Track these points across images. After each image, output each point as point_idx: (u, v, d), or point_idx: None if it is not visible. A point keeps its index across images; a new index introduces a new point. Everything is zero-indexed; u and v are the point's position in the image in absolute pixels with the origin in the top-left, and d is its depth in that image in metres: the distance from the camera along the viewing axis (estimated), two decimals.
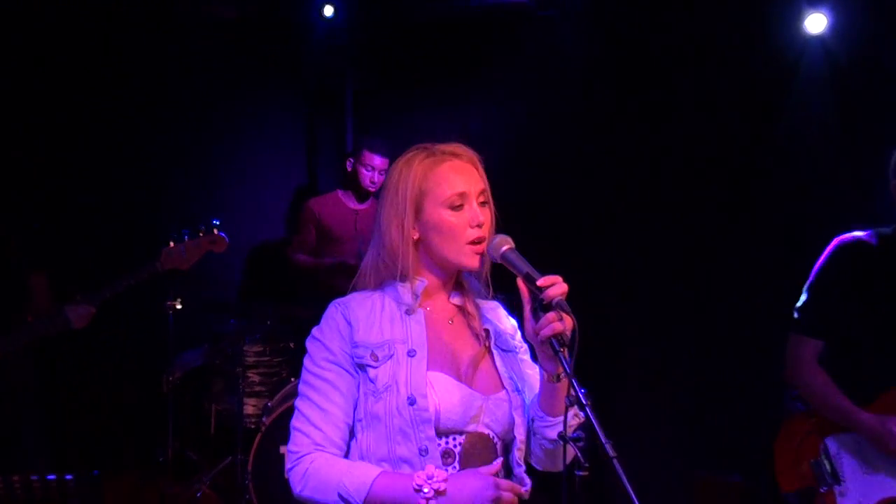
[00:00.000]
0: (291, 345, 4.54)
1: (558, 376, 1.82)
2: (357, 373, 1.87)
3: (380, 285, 1.95)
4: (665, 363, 4.39)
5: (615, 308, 4.45)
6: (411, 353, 1.86)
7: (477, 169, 1.93)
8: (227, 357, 4.46)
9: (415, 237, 1.92)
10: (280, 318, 4.48)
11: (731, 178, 4.28)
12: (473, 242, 1.89)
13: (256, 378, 4.51)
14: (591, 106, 4.69)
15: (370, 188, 4.71)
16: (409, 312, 1.91)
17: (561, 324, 1.74)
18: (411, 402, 1.81)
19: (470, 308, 1.98)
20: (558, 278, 1.78)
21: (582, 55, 4.70)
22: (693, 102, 4.32)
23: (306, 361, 1.90)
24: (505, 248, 1.87)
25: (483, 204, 1.91)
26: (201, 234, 3.71)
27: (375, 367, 1.85)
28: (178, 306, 4.01)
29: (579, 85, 4.73)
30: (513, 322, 2.03)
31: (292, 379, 4.32)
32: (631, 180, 4.55)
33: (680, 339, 4.33)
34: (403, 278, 1.92)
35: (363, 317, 1.89)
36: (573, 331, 1.74)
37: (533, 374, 1.96)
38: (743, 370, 4.12)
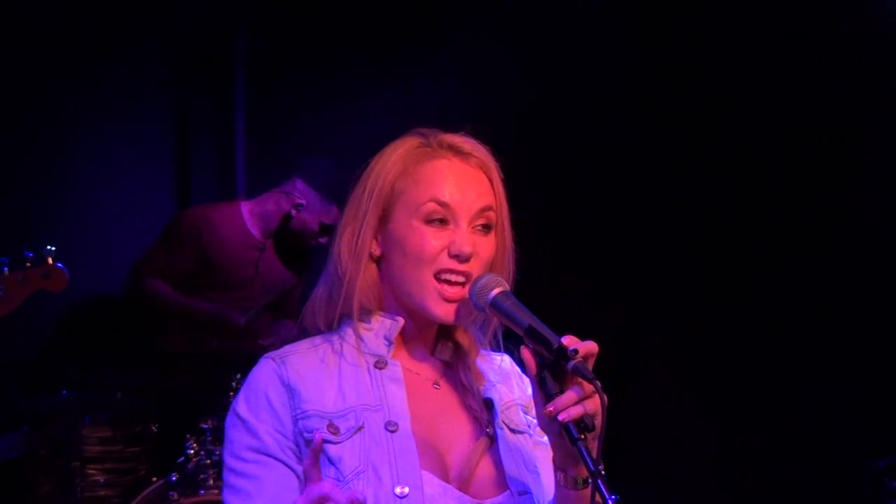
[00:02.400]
0: (154, 427, 4.45)
1: (580, 480, 1.81)
2: (300, 462, 1.86)
3: (334, 326, 1.98)
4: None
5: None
6: (390, 427, 1.86)
7: (490, 179, 1.95)
8: (58, 446, 4.32)
9: (375, 253, 1.94)
10: (136, 388, 4.44)
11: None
12: (445, 278, 1.88)
13: (101, 477, 4.39)
14: (605, 82, 4.82)
15: (310, 244, 4.83)
16: (379, 365, 1.92)
17: (583, 406, 1.71)
18: (403, 496, 1.81)
19: (465, 372, 1.99)
20: (576, 338, 1.74)
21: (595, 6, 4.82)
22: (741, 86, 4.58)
23: (225, 452, 1.91)
24: (495, 291, 1.85)
25: (484, 229, 1.92)
26: (28, 266, 3.70)
27: (337, 444, 1.84)
28: None
29: (588, 52, 4.83)
30: (528, 384, 2.00)
31: (153, 479, 4.17)
32: (655, 181, 4.74)
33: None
34: (352, 313, 1.94)
35: (310, 375, 1.90)
36: (602, 410, 1.72)
37: (551, 464, 1.93)
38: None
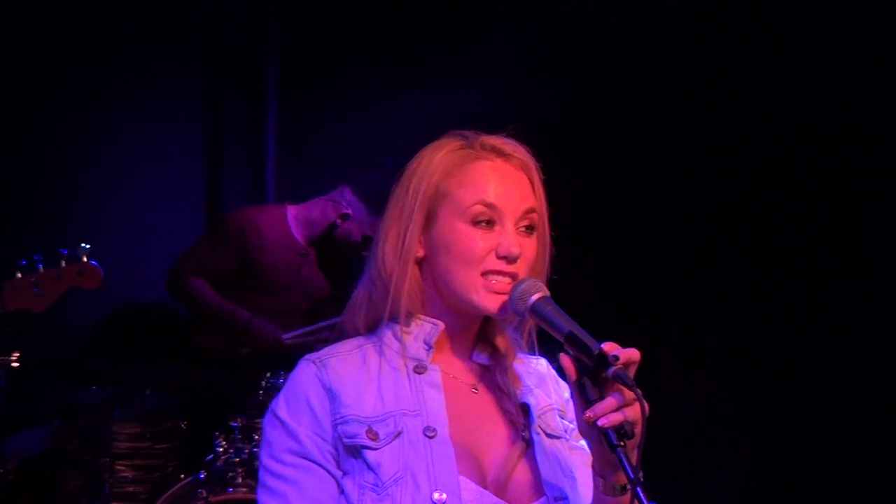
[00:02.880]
0: (182, 424, 4.44)
1: (618, 487, 1.80)
2: (340, 465, 1.87)
3: (373, 329, 1.97)
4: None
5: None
6: (429, 433, 1.85)
7: (531, 180, 1.95)
8: (87, 441, 4.30)
9: (419, 255, 1.94)
10: (166, 384, 4.48)
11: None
12: (492, 274, 1.87)
13: (130, 473, 4.37)
14: (650, 84, 4.81)
15: (351, 255, 4.80)
16: (419, 370, 1.91)
17: (623, 413, 1.70)
18: (440, 503, 1.80)
19: (502, 375, 1.98)
20: (617, 345, 1.75)
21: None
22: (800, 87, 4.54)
23: (263, 453, 1.91)
24: (535, 296, 1.84)
25: (528, 230, 1.92)
26: (63, 264, 3.71)
27: (376, 450, 1.84)
28: (14, 363, 3.83)
29: (631, 51, 4.82)
30: (564, 388, 2.03)
31: (181, 476, 4.15)
32: (686, 182, 4.73)
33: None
34: (397, 316, 1.93)
35: (350, 378, 1.90)
36: (643, 418, 1.71)
37: (589, 469, 1.91)
38: None
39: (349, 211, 4.76)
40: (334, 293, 4.88)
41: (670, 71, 4.82)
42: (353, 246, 4.76)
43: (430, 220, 1.92)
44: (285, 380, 4.28)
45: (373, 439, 1.84)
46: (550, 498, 1.91)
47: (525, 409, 1.97)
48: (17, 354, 3.80)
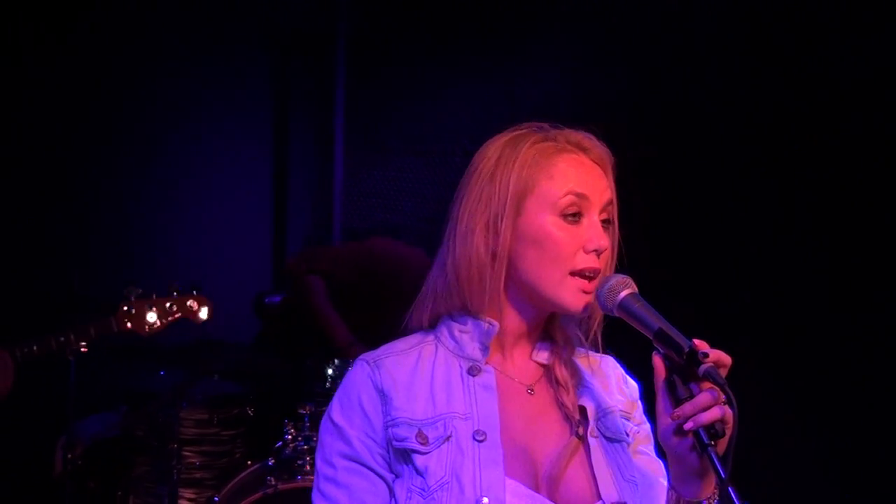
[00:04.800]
0: (250, 411, 4.49)
1: (695, 502, 1.77)
2: (392, 468, 1.87)
3: (432, 325, 1.96)
4: None
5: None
6: (478, 437, 1.84)
7: (607, 174, 1.93)
8: (155, 427, 4.38)
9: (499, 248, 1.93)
10: (235, 370, 4.55)
11: None
12: (582, 275, 1.85)
13: (197, 459, 4.42)
14: (710, 78, 4.67)
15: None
16: (472, 372, 1.90)
17: (720, 409, 1.67)
18: None
19: (561, 371, 1.95)
20: (706, 343, 1.72)
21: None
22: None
23: (317, 456, 1.91)
24: (624, 292, 1.82)
25: (605, 224, 1.90)
26: (175, 294, 3.88)
27: (425, 454, 1.83)
28: (83, 349, 3.85)
29: (692, 47, 4.71)
30: (633, 389, 2.02)
31: (248, 462, 4.17)
32: (752, 178, 4.59)
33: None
34: (457, 313, 1.93)
35: (403, 378, 1.89)
36: (734, 419, 1.68)
37: (654, 475, 1.93)
38: None
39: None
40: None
41: (753, 65, 4.65)
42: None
43: (517, 211, 1.89)
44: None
45: (422, 443, 1.85)
46: (606, 503, 1.88)
47: (583, 410, 1.95)
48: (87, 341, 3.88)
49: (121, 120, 5.14)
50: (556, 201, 1.86)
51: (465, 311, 1.92)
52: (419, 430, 1.85)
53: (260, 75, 5.82)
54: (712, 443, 1.67)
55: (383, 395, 1.88)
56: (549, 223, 1.86)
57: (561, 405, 1.94)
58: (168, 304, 3.85)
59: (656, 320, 1.76)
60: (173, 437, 4.23)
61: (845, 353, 4.46)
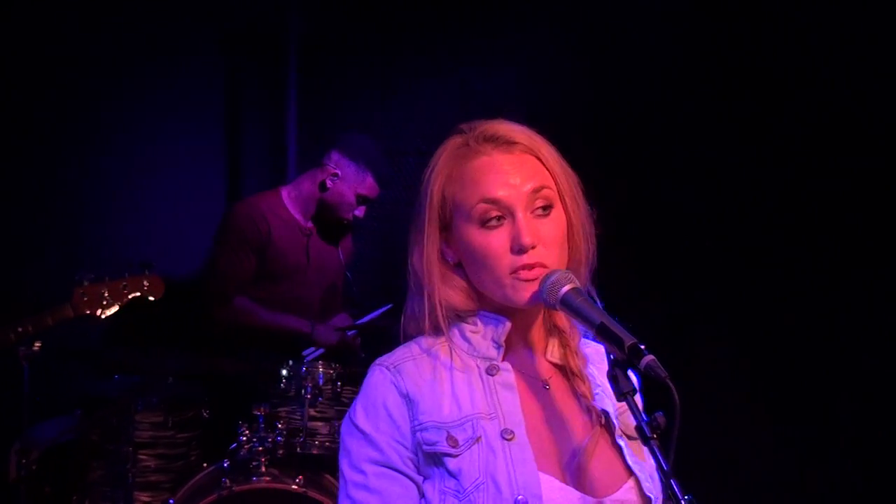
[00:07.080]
0: (205, 413, 4.40)
1: None
2: (420, 471, 1.88)
3: (437, 328, 1.96)
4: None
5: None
6: (506, 435, 1.85)
7: (539, 157, 1.91)
8: (109, 431, 4.30)
9: (453, 260, 1.95)
10: (188, 373, 4.43)
11: None
12: (518, 271, 1.85)
13: (152, 462, 4.32)
14: (666, 67, 4.74)
15: (347, 222, 4.76)
16: (491, 371, 1.91)
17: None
18: None
19: (574, 362, 1.98)
20: None
21: None
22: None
23: (343, 463, 1.91)
24: (566, 287, 1.82)
25: (544, 211, 1.88)
26: (127, 275, 3.91)
27: (456, 457, 1.84)
28: (36, 347, 3.89)
29: (646, 37, 4.77)
30: (632, 380, 1.96)
31: (204, 464, 4.19)
32: (711, 171, 4.67)
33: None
34: (453, 319, 1.94)
35: (426, 383, 1.90)
36: (674, 411, 1.68)
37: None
38: None
39: (338, 171, 4.66)
40: (340, 274, 4.84)
41: (714, 58, 4.70)
42: (347, 206, 4.67)
43: (447, 228, 1.92)
44: (308, 369, 4.27)
45: (453, 446, 1.85)
46: (642, 477, 1.90)
47: (605, 415, 1.96)
48: (40, 344, 3.85)
49: (74, 120, 5.07)
50: (471, 211, 1.87)
51: (470, 312, 1.93)
52: (448, 433, 1.85)
53: (213, 73, 5.79)
54: (654, 436, 1.69)
55: (409, 400, 1.88)
56: (470, 235, 1.88)
57: (579, 396, 1.95)
58: (122, 285, 3.88)
59: (598, 315, 1.77)
60: (128, 440, 4.19)
61: (814, 349, 4.49)
